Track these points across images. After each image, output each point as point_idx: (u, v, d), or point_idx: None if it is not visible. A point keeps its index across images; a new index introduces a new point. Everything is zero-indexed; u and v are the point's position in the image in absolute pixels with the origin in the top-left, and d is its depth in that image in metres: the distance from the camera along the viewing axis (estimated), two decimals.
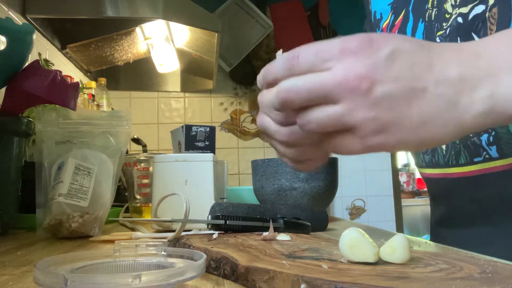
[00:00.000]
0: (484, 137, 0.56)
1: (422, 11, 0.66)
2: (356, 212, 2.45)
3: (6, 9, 1.09)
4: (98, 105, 1.55)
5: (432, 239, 0.72)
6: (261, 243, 0.41)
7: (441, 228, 0.69)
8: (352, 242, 0.31)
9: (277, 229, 0.50)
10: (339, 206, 2.44)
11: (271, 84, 0.38)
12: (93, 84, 1.54)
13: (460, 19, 0.59)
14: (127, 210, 1.00)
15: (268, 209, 0.62)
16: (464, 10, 0.58)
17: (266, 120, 0.40)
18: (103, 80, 1.62)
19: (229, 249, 0.38)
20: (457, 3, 0.60)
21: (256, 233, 0.50)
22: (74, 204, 0.63)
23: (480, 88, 0.33)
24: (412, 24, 0.67)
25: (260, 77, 0.39)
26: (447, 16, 0.62)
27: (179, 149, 0.84)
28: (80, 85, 1.16)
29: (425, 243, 0.54)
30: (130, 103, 2.34)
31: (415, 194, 3.57)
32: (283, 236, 0.45)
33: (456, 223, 0.65)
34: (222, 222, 0.49)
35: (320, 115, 0.35)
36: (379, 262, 0.31)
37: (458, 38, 0.58)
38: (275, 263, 0.31)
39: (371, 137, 0.34)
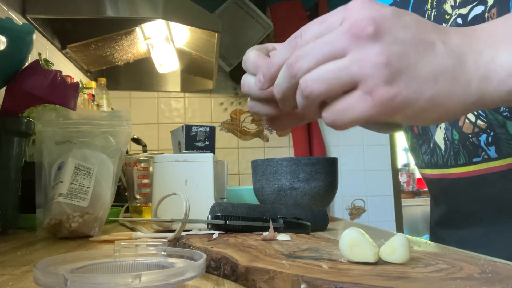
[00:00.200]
0: (483, 137, 0.56)
1: (422, 12, 0.66)
2: (356, 212, 2.45)
3: (6, 9, 1.09)
4: (98, 105, 1.55)
5: (431, 239, 0.72)
6: (261, 243, 0.41)
7: (441, 228, 0.69)
8: (352, 242, 0.31)
9: (277, 229, 0.50)
10: (339, 206, 2.44)
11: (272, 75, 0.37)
12: (93, 84, 1.54)
13: (459, 20, 0.59)
14: (127, 210, 1.00)
15: (268, 209, 0.62)
16: (464, 11, 0.58)
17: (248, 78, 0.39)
18: (103, 80, 1.62)
19: (229, 249, 0.38)
20: (457, 4, 0.60)
21: (256, 233, 0.50)
22: (74, 204, 0.63)
23: (482, 53, 0.34)
24: None
25: (261, 76, 0.38)
26: (446, 17, 0.62)
27: (179, 149, 0.84)
28: (80, 85, 1.16)
29: (425, 243, 0.54)
30: (130, 103, 2.34)
31: (415, 194, 3.57)
32: (283, 236, 0.45)
33: (455, 223, 0.65)
34: (222, 222, 0.49)
35: (325, 71, 0.32)
36: (379, 262, 0.31)
37: None
38: (275, 263, 0.31)
39: (380, 89, 0.31)
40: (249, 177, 2.30)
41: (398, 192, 2.51)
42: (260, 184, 0.78)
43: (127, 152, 1.11)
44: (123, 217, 0.95)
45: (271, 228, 0.45)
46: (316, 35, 0.33)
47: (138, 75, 2.03)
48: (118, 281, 0.24)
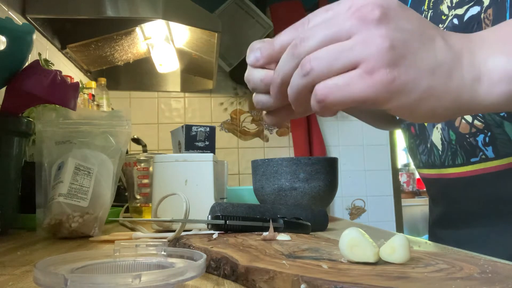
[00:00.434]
0: (480, 137, 0.56)
1: (419, 13, 0.67)
2: (356, 212, 2.45)
3: (6, 9, 1.09)
4: (98, 105, 1.55)
5: (430, 239, 0.72)
6: (261, 243, 0.41)
7: (439, 228, 0.69)
8: (352, 242, 0.31)
9: (277, 229, 0.50)
10: (339, 206, 2.44)
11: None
12: (93, 84, 1.54)
13: (455, 21, 0.59)
14: (127, 210, 1.00)
15: (268, 209, 0.62)
16: (460, 11, 0.58)
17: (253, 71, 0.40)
18: (103, 80, 1.62)
19: (229, 249, 0.38)
20: (453, 5, 0.60)
21: (256, 233, 0.50)
22: (74, 204, 0.63)
23: (476, 55, 0.34)
24: None
25: (258, 51, 0.38)
26: (443, 17, 0.62)
27: (179, 149, 0.85)
28: (80, 85, 1.16)
29: (425, 243, 0.54)
30: (130, 103, 2.34)
31: (415, 194, 3.57)
32: (283, 236, 0.44)
33: (453, 223, 0.65)
34: (222, 222, 0.49)
35: (327, 50, 0.32)
36: (379, 262, 0.31)
37: None
38: (275, 263, 0.31)
39: (381, 70, 0.31)
40: (249, 177, 2.30)
41: (398, 192, 2.51)
42: (260, 184, 0.78)
43: (127, 152, 1.11)
44: (123, 217, 0.95)
45: (271, 228, 0.45)
46: (323, 21, 0.33)
47: (138, 75, 2.03)
48: (118, 281, 0.24)
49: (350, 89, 0.32)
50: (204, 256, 0.30)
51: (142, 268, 0.33)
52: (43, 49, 1.32)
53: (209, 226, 0.50)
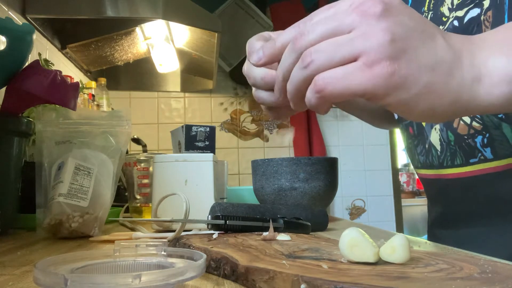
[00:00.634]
0: (479, 139, 0.56)
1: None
2: (356, 212, 2.45)
3: (6, 9, 1.09)
4: (98, 105, 1.55)
5: (429, 239, 0.72)
6: (261, 243, 0.41)
7: (438, 228, 0.69)
8: (352, 242, 0.31)
9: (277, 229, 0.50)
10: (339, 206, 2.44)
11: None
12: (93, 84, 1.54)
13: (456, 22, 0.59)
14: (127, 210, 1.00)
15: (268, 209, 0.62)
16: (460, 13, 0.59)
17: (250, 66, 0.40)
18: (103, 80, 1.62)
19: (229, 249, 0.38)
20: (454, 7, 0.60)
21: (256, 233, 0.50)
22: (74, 204, 0.63)
23: (476, 55, 0.35)
24: None
25: (260, 51, 0.38)
26: (444, 19, 0.62)
27: (179, 149, 0.84)
28: (80, 85, 1.16)
29: (425, 243, 0.54)
30: (130, 103, 2.34)
31: (415, 194, 3.57)
32: (283, 236, 0.44)
33: (451, 223, 0.65)
34: (222, 222, 0.49)
35: (328, 43, 0.32)
36: (379, 262, 0.31)
37: None
38: (275, 263, 0.31)
39: (382, 63, 0.31)
40: (249, 177, 2.30)
41: (398, 192, 2.51)
42: (260, 184, 0.78)
43: (127, 152, 1.11)
44: (123, 217, 0.95)
45: (271, 228, 0.45)
46: (325, 17, 0.33)
47: (138, 75, 2.03)
48: (118, 281, 0.24)
49: (349, 81, 0.32)
50: (204, 256, 0.30)
51: (142, 268, 0.33)
52: (43, 49, 1.32)
53: (209, 226, 0.50)
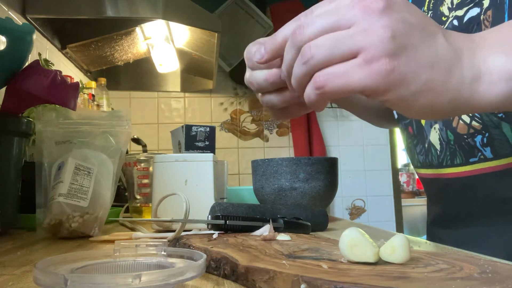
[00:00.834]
0: (478, 138, 0.56)
1: None
2: (356, 212, 2.45)
3: (6, 9, 1.09)
4: (98, 105, 1.55)
5: (428, 239, 0.72)
6: (261, 243, 0.41)
7: (437, 227, 0.69)
8: (352, 242, 0.31)
9: (277, 229, 0.50)
10: (339, 206, 2.44)
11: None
12: (93, 84, 1.54)
13: (455, 22, 0.59)
14: (127, 210, 1.00)
15: (268, 209, 0.62)
16: (460, 12, 0.59)
17: (254, 72, 0.40)
18: (103, 80, 1.62)
19: (229, 249, 0.38)
20: (454, 6, 0.60)
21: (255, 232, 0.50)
22: (74, 204, 0.63)
23: (476, 53, 0.35)
24: None
25: (262, 48, 0.38)
26: (443, 19, 0.62)
27: (179, 149, 0.84)
28: (80, 85, 1.16)
29: (425, 243, 0.54)
30: (130, 103, 2.34)
31: (415, 194, 3.57)
32: (283, 236, 0.45)
33: (451, 223, 0.65)
34: (222, 222, 0.49)
35: (328, 38, 0.32)
36: (379, 262, 0.31)
37: None
38: (275, 263, 0.31)
39: (381, 60, 0.31)
40: (249, 177, 2.30)
41: (398, 192, 2.51)
42: (260, 184, 0.78)
43: (127, 152, 1.11)
44: (123, 217, 0.95)
45: (271, 228, 0.45)
46: (325, 11, 0.33)
47: (138, 75, 2.03)
48: (118, 281, 0.24)
49: (349, 78, 0.31)
50: (204, 256, 0.30)
51: (142, 268, 0.33)
52: (43, 49, 1.32)
53: (209, 226, 0.50)
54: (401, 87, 0.32)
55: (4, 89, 0.67)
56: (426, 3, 0.68)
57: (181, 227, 0.49)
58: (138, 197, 0.98)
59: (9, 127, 0.68)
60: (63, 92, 0.68)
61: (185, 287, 0.33)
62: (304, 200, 0.75)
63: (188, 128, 0.82)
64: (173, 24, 1.50)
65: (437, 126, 0.62)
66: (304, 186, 0.74)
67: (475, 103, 0.35)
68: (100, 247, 0.56)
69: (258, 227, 0.50)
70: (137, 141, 1.55)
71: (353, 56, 0.32)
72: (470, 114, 0.57)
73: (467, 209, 0.61)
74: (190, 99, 2.40)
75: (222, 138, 2.38)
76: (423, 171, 0.68)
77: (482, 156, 0.56)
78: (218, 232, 0.50)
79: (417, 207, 3.31)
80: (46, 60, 1.16)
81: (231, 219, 0.50)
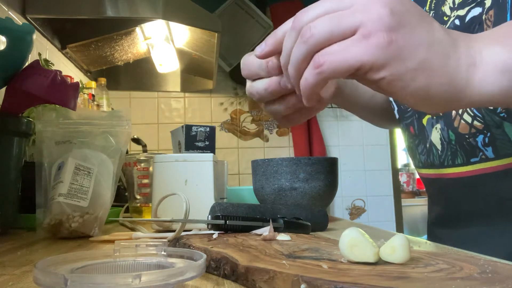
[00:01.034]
0: (480, 138, 0.56)
1: None
2: (356, 212, 2.45)
3: (6, 9, 1.09)
4: (98, 105, 1.55)
5: (429, 239, 0.72)
6: (261, 243, 0.41)
7: (438, 227, 0.69)
8: (352, 242, 0.31)
9: (277, 229, 0.50)
10: (339, 206, 2.44)
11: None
12: (93, 84, 1.54)
13: (457, 21, 0.59)
14: (127, 210, 1.00)
15: (268, 209, 0.62)
16: (462, 12, 0.59)
17: (254, 82, 0.41)
18: (103, 80, 1.62)
19: (229, 249, 0.38)
20: (455, 6, 0.60)
21: (254, 232, 0.49)
22: (74, 204, 0.63)
23: (472, 44, 0.35)
24: None
25: (263, 42, 0.38)
26: (445, 18, 0.62)
27: (179, 149, 0.84)
28: (80, 85, 1.16)
29: (425, 243, 0.54)
30: (130, 103, 2.34)
31: (415, 194, 3.57)
32: (283, 236, 0.44)
33: (452, 223, 0.65)
34: (222, 222, 0.49)
35: (327, 17, 0.32)
36: (379, 262, 0.31)
37: None
38: (275, 263, 0.31)
39: (378, 33, 0.31)
40: (249, 177, 2.30)
41: (398, 192, 2.51)
42: (260, 184, 0.78)
43: (127, 152, 1.11)
44: (123, 217, 0.95)
45: (271, 228, 0.45)
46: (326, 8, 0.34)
47: (138, 75, 2.03)
48: (118, 281, 0.24)
49: (346, 54, 0.32)
50: (204, 256, 0.30)
51: (142, 268, 0.33)
52: (43, 49, 1.32)
53: (209, 226, 0.50)
54: (398, 62, 0.32)
55: (4, 89, 0.67)
56: (428, 2, 0.68)
57: (181, 227, 0.49)
58: (138, 197, 0.98)
59: (9, 127, 0.68)
60: (63, 92, 0.68)
61: (185, 287, 0.33)
62: (304, 200, 0.75)
63: (188, 128, 0.82)
64: (173, 24, 1.50)
65: (438, 126, 0.62)
66: (304, 186, 0.74)
67: (470, 93, 0.35)
68: (100, 247, 0.56)
69: (258, 227, 0.50)
70: (137, 141, 1.55)
71: (353, 33, 0.32)
72: (472, 114, 0.56)
73: (468, 209, 0.61)
74: (190, 99, 2.40)
75: (222, 138, 2.38)
76: (425, 171, 0.68)
77: (483, 156, 0.56)
78: (218, 232, 0.50)
79: (417, 207, 3.31)
80: (46, 60, 1.16)
81: (231, 219, 0.50)
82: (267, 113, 0.44)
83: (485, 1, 0.55)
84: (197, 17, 1.38)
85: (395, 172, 2.51)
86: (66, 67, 1.54)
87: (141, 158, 0.99)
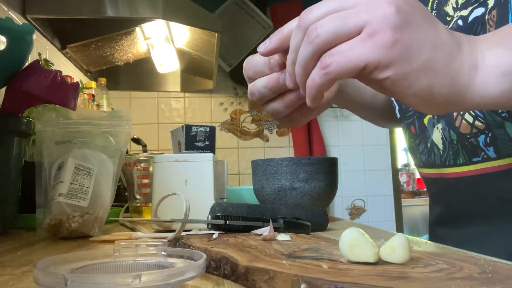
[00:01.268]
0: (481, 138, 0.56)
1: None
2: (356, 212, 2.45)
3: (6, 9, 1.09)
4: (98, 105, 1.55)
5: (430, 238, 0.72)
6: (261, 243, 0.41)
7: (439, 227, 0.69)
8: (352, 242, 0.31)
9: (277, 229, 0.50)
10: (339, 206, 2.44)
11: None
12: (93, 84, 1.54)
13: (460, 22, 0.59)
14: (127, 210, 1.00)
15: (268, 209, 0.62)
16: (464, 12, 0.58)
17: (256, 82, 0.41)
18: (103, 80, 1.62)
19: (229, 249, 0.38)
20: (458, 6, 0.60)
21: (254, 232, 0.49)
22: (74, 204, 0.63)
23: (474, 46, 0.35)
24: None
25: (267, 40, 0.38)
26: (448, 18, 0.62)
27: (179, 149, 0.84)
28: (80, 85, 1.16)
29: (425, 243, 0.54)
30: (130, 103, 2.34)
31: (415, 194, 3.57)
32: (283, 236, 0.44)
33: (453, 222, 0.65)
34: (222, 222, 0.49)
35: (333, 17, 0.32)
36: (379, 262, 0.31)
37: None
38: (275, 263, 0.31)
39: (384, 32, 0.31)
40: (249, 177, 2.30)
41: (398, 192, 2.51)
42: (260, 184, 0.78)
43: (127, 152, 1.11)
44: (123, 217, 0.95)
45: (271, 228, 0.45)
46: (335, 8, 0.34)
47: (138, 75, 2.03)
48: (118, 281, 0.24)
49: (352, 53, 0.32)
50: (204, 256, 0.30)
51: (142, 268, 0.33)
52: (43, 49, 1.32)
53: (209, 226, 0.50)
54: (403, 62, 0.32)
55: (4, 89, 0.67)
56: (430, 2, 0.68)
57: (181, 227, 0.49)
58: (138, 197, 0.98)
59: (9, 127, 0.68)
60: (63, 92, 0.68)
61: (185, 287, 0.33)
62: (304, 200, 0.75)
63: (188, 128, 0.82)
64: (173, 24, 1.50)
65: (439, 125, 0.62)
66: (304, 186, 0.74)
67: (471, 95, 0.35)
68: (100, 247, 0.56)
69: (258, 227, 0.50)
70: (137, 141, 1.55)
71: (358, 33, 0.32)
72: (473, 114, 0.56)
73: (469, 209, 0.61)
74: (190, 99, 2.40)
75: (222, 138, 2.38)
76: (426, 170, 0.68)
77: (485, 156, 0.56)
78: (218, 232, 0.50)
79: (417, 207, 3.31)
80: (46, 60, 1.16)
81: (231, 219, 0.50)
82: (268, 113, 0.44)
83: (488, 1, 0.55)
84: (197, 17, 1.38)
85: (395, 172, 2.51)
86: (66, 67, 1.54)
87: (141, 158, 0.99)
